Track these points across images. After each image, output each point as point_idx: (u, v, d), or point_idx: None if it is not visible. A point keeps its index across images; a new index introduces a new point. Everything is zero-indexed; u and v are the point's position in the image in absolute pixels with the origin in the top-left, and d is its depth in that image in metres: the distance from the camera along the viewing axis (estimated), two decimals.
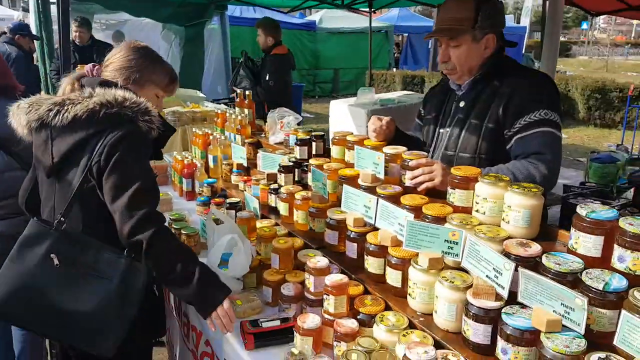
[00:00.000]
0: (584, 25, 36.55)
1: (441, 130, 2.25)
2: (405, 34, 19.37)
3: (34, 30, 6.60)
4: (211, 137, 3.33)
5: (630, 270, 1.23)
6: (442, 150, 2.20)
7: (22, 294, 1.70)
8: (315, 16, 17.25)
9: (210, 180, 3.03)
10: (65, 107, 1.76)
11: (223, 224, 2.07)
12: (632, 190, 4.10)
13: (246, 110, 3.39)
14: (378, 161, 2.01)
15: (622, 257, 1.24)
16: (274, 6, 9.04)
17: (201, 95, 5.91)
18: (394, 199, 1.85)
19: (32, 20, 7.15)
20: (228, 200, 2.53)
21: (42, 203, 1.97)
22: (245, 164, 3.01)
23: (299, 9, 9.22)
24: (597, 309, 1.21)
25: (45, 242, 1.73)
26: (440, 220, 1.65)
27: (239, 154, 3.04)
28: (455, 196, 1.72)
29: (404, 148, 2.06)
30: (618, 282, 1.20)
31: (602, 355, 1.10)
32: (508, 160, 2.00)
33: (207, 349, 2.05)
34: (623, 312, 1.12)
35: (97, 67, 1.93)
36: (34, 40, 6.48)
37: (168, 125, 1.99)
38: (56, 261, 1.71)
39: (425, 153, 2.01)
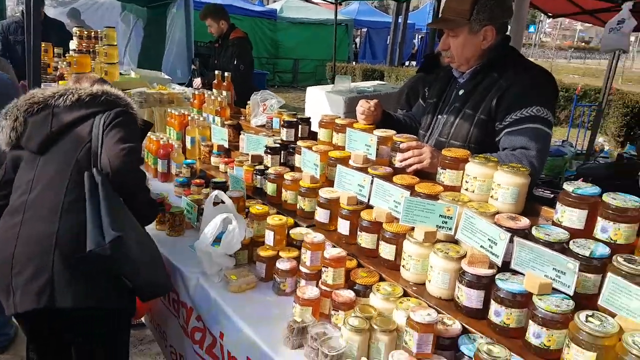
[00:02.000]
0: (531, 29, 38.18)
1: (439, 117, 2.34)
2: (364, 29, 19.56)
3: None
4: (189, 118, 3.32)
5: (611, 239, 1.38)
6: (436, 137, 2.29)
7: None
8: (276, 5, 17.16)
9: (189, 161, 3.03)
10: (70, 91, 2.08)
11: (222, 205, 2.11)
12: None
13: (224, 92, 3.39)
14: (370, 143, 2.10)
15: (604, 228, 1.39)
16: None
17: (166, 77, 5.82)
18: (386, 179, 1.94)
19: None
20: (214, 180, 2.56)
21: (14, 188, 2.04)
22: (226, 146, 3.03)
23: None
24: (583, 273, 1.35)
25: None
26: (433, 197, 1.76)
27: (220, 136, 3.05)
28: (446, 176, 1.84)
29: (394, 131, 2.16)
30: (602, 250, 1.35)
31: (590, 312, 1.23)
32: (495, 152, 2.07)
33: (198, 324, 2.08)
34: (609, 274, 1.26)
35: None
36: None
37: (146, 122, 2.45)
38: None
39: (415, 136, 2.12)
